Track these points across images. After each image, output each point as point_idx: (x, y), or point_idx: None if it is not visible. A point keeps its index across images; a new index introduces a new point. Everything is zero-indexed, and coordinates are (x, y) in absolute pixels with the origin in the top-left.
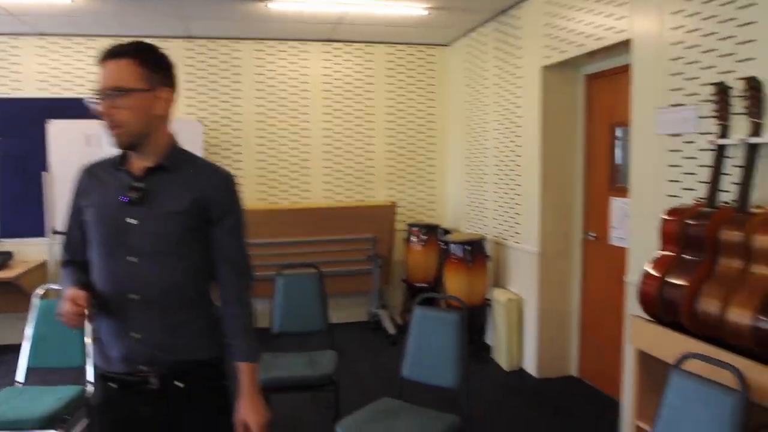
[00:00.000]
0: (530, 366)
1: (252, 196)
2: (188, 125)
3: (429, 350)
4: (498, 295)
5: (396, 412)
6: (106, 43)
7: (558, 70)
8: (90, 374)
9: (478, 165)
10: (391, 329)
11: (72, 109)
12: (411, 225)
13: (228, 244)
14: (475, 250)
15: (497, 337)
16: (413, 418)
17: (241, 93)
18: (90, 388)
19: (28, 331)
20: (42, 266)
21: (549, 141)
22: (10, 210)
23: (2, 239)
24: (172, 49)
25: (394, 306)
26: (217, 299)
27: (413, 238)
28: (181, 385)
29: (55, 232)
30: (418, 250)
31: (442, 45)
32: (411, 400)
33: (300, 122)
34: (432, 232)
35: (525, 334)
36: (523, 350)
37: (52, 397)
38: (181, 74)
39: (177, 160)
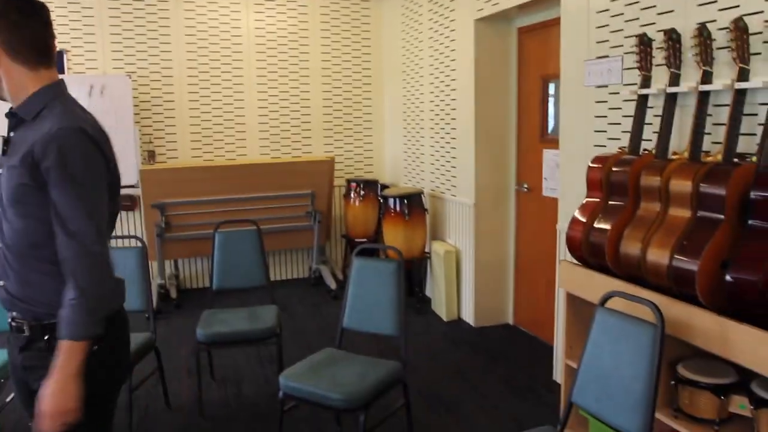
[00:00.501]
0: (468, 316)
1: (186, 153)
2: (116, 80)
3: (368, 299)
4: (436, 248)
5: (338, 361)
6: None
7: (490, 23)
8: None
9: (414, 119)
10: (332, 284)
11: None
12: (349, 180)
13: (57, 204)
14: (413, 204)
15: (436, 288)
16: (355, 365)
17: (170, 47)
18: None
19: None
20: None
21: (482, 94)
22: None
23: None
24: None
25: (334, 261)
26: None
27: (352, 194)
28: (44, 339)
29: None
30: (357, 205)
31: None
32: (352, 350)
33: (233, 77)
34: (370, 187)
35: (463, 285)
36: (461, 301)
37: None
38: (106, 26)
39: (33, 109)
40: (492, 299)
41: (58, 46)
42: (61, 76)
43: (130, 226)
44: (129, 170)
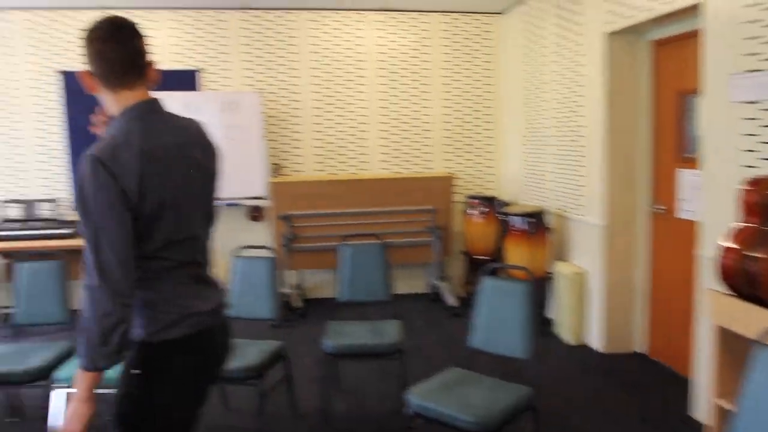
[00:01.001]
0: (595, 341)
1: (310, 167)
2: (247, 96)
3: (497, 320)
4: (561, 269)
5: (466, 382)
6: (187, 14)
7: (622, 37)
8: None
9: (537, 136)
10: (451, 301)
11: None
12: (469, 197)
13: None
14: (537, 223)
15: (560, 310)
16: (485, 388)
17: (297, 64)
18: None
19: None
20: None
21: (614, 111)
22: None
23: None
24: (229, 21)
25: (453, 278)
26: (155, 283)
27: (472, 210)
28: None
29: None
30: (477, 222)
31: (498, 13)
32: (476, 370)
33: (356, 92)
34: (491, 204)
35: (589, 308)
36: (587, 325)
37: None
38: (238, 46)
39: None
40: (621, 325)
41: (196, 65)
42: (193, 94)
43: (257, 236)
44: (257, 182)
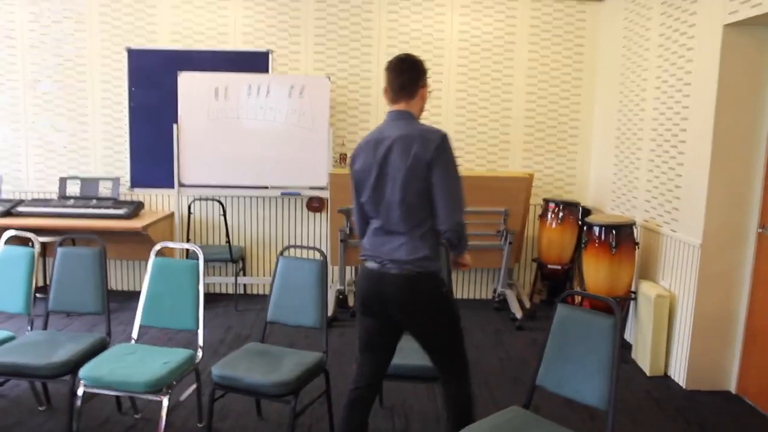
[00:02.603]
0: (678, 374)
1: None
2: (315, 81)
3: (573, 358)
4: (645, 289)
5: (527, 427)
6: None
7: (745, 29)
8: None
9: (630, 138)
10: (517, 312)
11: (203, 61)
12: (547, 200)
13: None
14: (622, 236)
15: (640, 335)
16: None
17: (371, 49)
18: (200, 353)
19: (144, 288)
20: (169, 218)
21: (726, 115)
22: (143, 161)
23: (134, 189)
24: (302, 2)
25: (521, 286)
26: None
27: (549, 215)
28: None
29: (183, 185)
30: (553, 228)
31: (595, 0)
32: (541, 409)
33: (432, 82)
34: (571, 209)
35: (675, 336)
36: (670, 355)
37: (160, 361)
38: (311, 28)
39: None
40: (711, 359)
41: (266, 47)
42: (265, 76)
43: (317, 229)
44: (320, 171)
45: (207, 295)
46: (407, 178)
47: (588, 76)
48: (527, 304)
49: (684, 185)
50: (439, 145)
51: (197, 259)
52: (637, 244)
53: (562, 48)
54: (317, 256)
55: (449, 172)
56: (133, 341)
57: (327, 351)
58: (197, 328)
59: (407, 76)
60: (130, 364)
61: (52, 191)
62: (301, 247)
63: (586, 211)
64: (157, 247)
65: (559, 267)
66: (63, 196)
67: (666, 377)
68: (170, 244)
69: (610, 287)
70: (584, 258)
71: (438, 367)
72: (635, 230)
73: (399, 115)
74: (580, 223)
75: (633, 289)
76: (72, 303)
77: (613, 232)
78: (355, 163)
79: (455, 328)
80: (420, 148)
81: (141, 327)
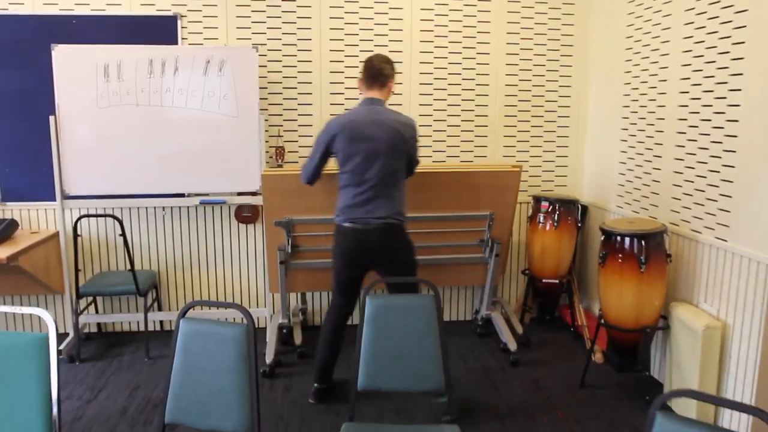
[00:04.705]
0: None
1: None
2: (238, 53)
3: None
4: (684, 316)
5: None
6: None
7: None
8: None
9: (645, 119)
10: (509, 341)
11: (86, 29)
12: (538, 198)
13: None
14: (653, 247)
15: (676, 373)
16: None
17: (310, 11)
18: None
19: None
20: (52, 240)
21: None
22: (17, 165)
23: (7, 203)
24: None
25: (506, 301)
26: None
27: (541, 216)
28: None
29: (67, 197)
30: (547, 232)
31: None
32: None
33: (390, 52)
34: (567, 208)
35: (729, 377)
36: None
37: None
38: None
39: None
40: None
41: (172, 10)
42: (171, 48)
43: (250, 244)
44: (250, 172)
45: (110, 335)
46: (392, 154)
47: (580, 42)
48: (517, 325)
49: (738, 179)
50: (415, 130)
51: (47, 330)
52: (669, 256)
53: (548, 8)
54: (237, 317)
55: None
56: None
57: None
58: None
59: (381, 70)
60: None
61: None
62: (215, 303)
63: (585, 209)
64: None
65: (556, 281)
66: None
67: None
68: (2, 308)
69: (637, 314)
70: (602, 277)
71: (401, 286)
72: (666, 238)
73: (375, 101)
74: (579, 224)
75: (663, 313)
76: None
77: (642, 242)
78: (337, 137)
79: (414, 257)
80: (403, 132)
81: None
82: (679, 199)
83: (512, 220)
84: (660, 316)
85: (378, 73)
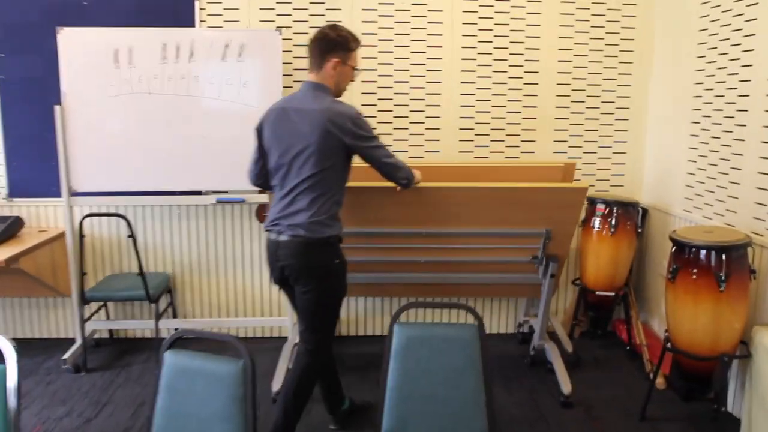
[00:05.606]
0: None
1: None
2: (260, 36)
3: None
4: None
5: None
6: None
7: None
8: None
9: (723, 110)
10: (564, 383)
11: (95, 11)
12: (593, 200)
13: None
14: (734, 261)
15: (760, 410)
16: None
17: (339, 1)
18: None
19: None
20: (59, 240)
21: None
22: (24, 158)
23: (13, 198)
24: None
25: (556, 315)
26: None
27: (596, 221)
28: None
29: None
30: (603, 238)
31: None
32: None
33: (428, 35)
34: (627, 212)
35: None
36: None
37: None
38: None
39: None
40: None
41: None
42: (187, 31)
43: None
44: None
45: (122, 342)
46: (316, 151)
47: (642, 22)
48: (565, 341)
49: None
50: (355, 122)
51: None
52: (754, 272)
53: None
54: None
55: (374, 144)
56: None
57: None
58: None
59: (315, 46)
60: None
61: None
62: (207, 335)
63: (645, 213)
64: None
65: (612, 294)
66: None
67: None
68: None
69: (714, 339)
70: (672, 295)
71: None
72: (749, 252)
73: (311, 85)
74: (639, 230)
75: (743, 338)
76: None
77: (723, 256)
78: (264, 126)
79: (330, 293)
80: (334, 123)
81: None
82: (765, 205)
83: (572, 236)
84: (740, 341)
85: (311, 52)
